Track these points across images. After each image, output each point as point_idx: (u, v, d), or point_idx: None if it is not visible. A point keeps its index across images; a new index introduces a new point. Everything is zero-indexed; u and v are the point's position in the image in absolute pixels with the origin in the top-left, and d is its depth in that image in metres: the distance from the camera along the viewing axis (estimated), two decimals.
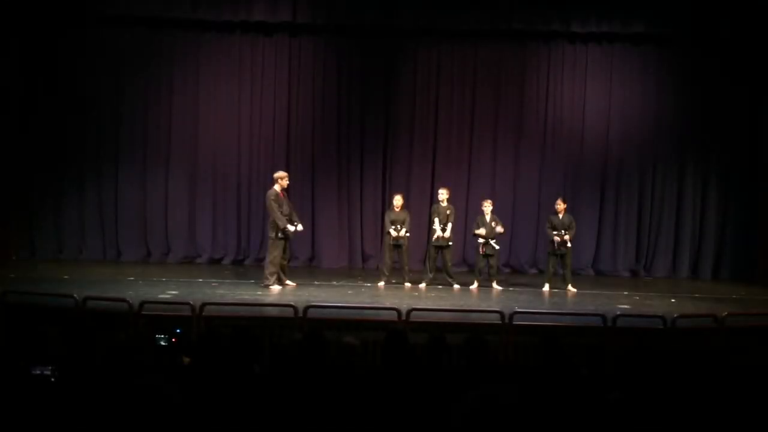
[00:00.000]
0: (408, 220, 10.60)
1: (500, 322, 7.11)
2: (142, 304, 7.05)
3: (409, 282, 10.54)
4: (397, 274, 10.68)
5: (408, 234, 10.58)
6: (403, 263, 10.63)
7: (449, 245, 10.58)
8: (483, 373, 3.97)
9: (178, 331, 5.23)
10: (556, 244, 10.46)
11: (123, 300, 7.22)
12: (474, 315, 8.25)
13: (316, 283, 10.48)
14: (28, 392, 3.44)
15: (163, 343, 4.79)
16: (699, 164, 12.82)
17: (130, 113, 12.60)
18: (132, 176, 12.62)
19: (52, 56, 12.23)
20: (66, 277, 10.06)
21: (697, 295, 10.36)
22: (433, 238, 10.59)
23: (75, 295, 7.23)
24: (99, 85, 12.42)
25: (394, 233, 10.43)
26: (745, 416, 3.39)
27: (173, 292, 8.98)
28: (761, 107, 12.34)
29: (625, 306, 9.08)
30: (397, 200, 10.62)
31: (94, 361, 4.04)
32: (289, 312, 7.15)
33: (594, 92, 12.86)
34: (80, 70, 12.37)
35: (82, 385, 3.58)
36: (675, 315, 7.39)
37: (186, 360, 4.54)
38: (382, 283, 10.49)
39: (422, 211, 12.47)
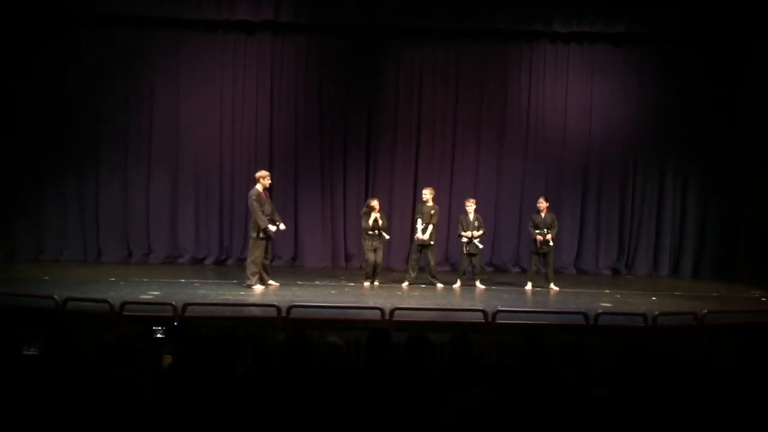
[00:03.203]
0: (385, 222, 10.63)
1: (483, 320, 7.14)
2: (124, 304, 7.01)
3: (393, 281, 10.54)
4: (381, 274, 10.68)
5: (387, 237, 10.60)
6: (377, 263, 10.57)
7: (431, 244, 10.60)
8: (468, 373, 3.98)
9: (175, 324, 5.26)
10: (538, 243, 10.52)
11: (104, 301, 7.15)
12: (457, 314, 8.29)
13: (299, 282, 10.45)
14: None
15: (159, 335, 4.82)
16: (679, 163, 12.95)
17: (111, 112, 12.49)
18: (113, 176, 12.52)
19: (32, 56, 12.08)
20: (46, 278, 9.96)
21: (677, 293, 10.45)
22: (415, 238, 10.61)
23: (55, 296, 7.17)
24: (80, 85, 12.30)
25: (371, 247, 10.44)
26: (724, 412, 3.43)
27: (155, 293, 8.91)
28: (741, 106, 12.48)
29: (607, 304, 9.14)
30: (375, 204, 10.61)
31: (74, 361, 4.01)
32: (272, 312, 7.13)
33: (576, 92, 12.94)
34: (61, 70, 12.25)
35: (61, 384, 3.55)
36: (656, 313, 7.45)
37: (167, 360, 4.51)
38: (367, 283, 10.48)
39: (405, 210, 12.51)
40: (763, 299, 10.05)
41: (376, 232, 10.46)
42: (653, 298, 9.85)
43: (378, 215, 10.48)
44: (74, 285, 9.11)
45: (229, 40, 12.63)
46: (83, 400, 3.32)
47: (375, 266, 10.49)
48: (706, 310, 7.65)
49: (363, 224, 10.58)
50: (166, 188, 12.66)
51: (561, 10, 12.30)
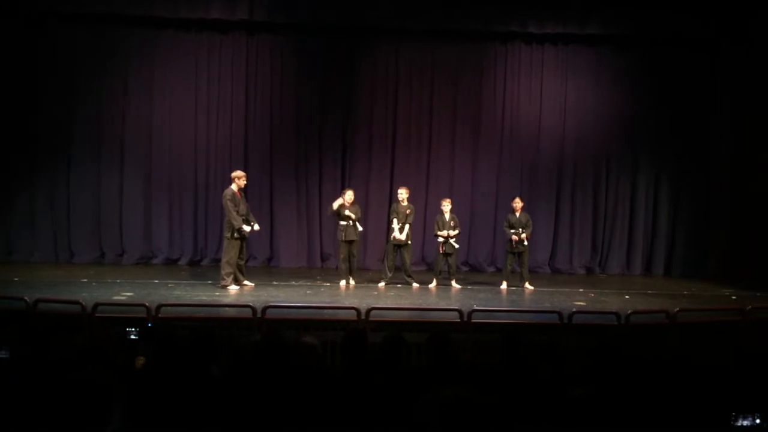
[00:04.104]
0: (359, 214, 10.59)
1: (459, 320, 7.16)
2: (96, 306, 6.91)
3: (369, 281, 10.54)
4: (357, 273, 10.67)
5: (360, 229, 10.57)
6: (350, 259, 10.54)
7: (408, 244, 10.61)
8: (445, 372, 3.99)
9: (149, 325, 5.21)
10: (513, 243, 10.59)
11: (76, 302, 7.05)
12: (433, 313, 8.30)
13: (274, 283, 10.40)
14: None
15: (133, 336, 4.78)
16: (652, 163, 13.13)
17: (83, 112, 12.33)
18: (85, 176, 12.37)
19: (3, 54, 11.90)
20: (16, 279, 9.79)
21: (650, 292, 10.59)
22: (391, 238, 10.62)
23: (26, 298, 7.05)
24: (52, 83, 12.13)
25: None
26: (695, 408, 3.47)
27: (128, 294, 8.82)
28: (712, 107, 12.67)
29: (581, 303, 9.22)
30: (349, 195, 10.55)
31: (45, 364, 3.94)
32: (248, 312, 7.08)
33: (550, 92, 13.05)
34: (33, 68, 12.08)
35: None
36: (629, 311, 7.52)
37: (140, 361, 4.47)
38: (343, 283, 10.47)
39: (381, 209, 12.51)
40: (734, 297, 10.21)
41: (350, 222, 10.41)
42: (626, 297, 9.96)
43: (346, 207, 10.40)
44: (45, 286, 8.97)
45: (203, 39, 12.54)
46: (54, 403, 3.27)
47: (350, 257, 10.43)
48: (677, 309, 7.75)
49: (329, 210, 10.50)
50: (140, 188, 12.53)
51: (536, 12, 12.39)
